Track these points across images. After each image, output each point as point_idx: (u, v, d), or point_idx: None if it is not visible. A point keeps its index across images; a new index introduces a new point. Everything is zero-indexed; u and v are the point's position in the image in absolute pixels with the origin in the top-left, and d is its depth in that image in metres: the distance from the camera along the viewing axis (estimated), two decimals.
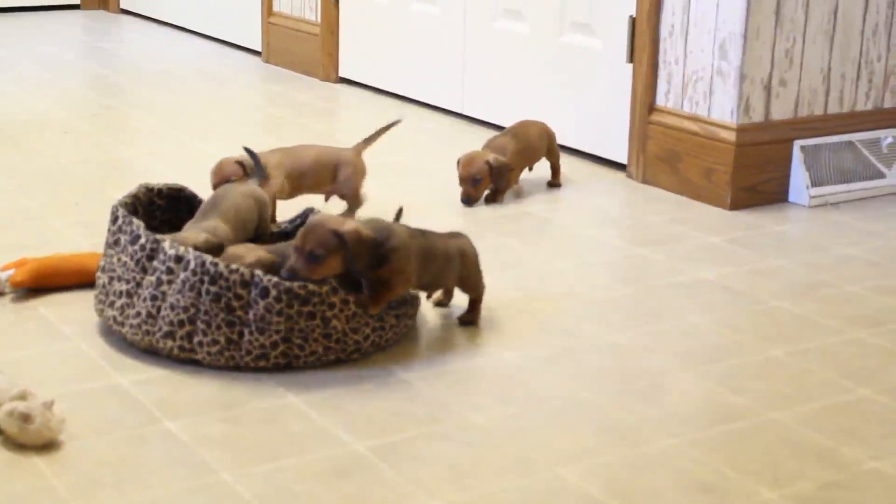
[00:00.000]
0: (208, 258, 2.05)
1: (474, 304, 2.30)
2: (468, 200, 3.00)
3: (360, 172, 2.83)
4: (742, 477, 1.76)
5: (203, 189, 2.61)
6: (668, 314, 2.37)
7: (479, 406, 1.96)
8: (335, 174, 2.81)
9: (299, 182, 2.77)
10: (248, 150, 2.64)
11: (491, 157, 3.00)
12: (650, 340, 2.24)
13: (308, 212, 2.39)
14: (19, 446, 1.78)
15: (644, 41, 3.23)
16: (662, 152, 3.20)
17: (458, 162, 3.03)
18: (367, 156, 2.91)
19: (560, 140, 3.52)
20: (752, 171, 3.05)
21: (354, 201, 2.84)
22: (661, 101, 3.23)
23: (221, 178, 2.62)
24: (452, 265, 2.22)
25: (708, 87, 3.08)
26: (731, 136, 3.02)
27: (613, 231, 2.86)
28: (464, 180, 3.01)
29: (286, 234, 2.41)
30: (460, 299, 2.36)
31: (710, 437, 1.87)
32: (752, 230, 2.89)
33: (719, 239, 2.82)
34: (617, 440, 1.85)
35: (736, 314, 2.37)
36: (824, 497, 1.71)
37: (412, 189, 3.15)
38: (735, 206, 3.05)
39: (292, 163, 2.76)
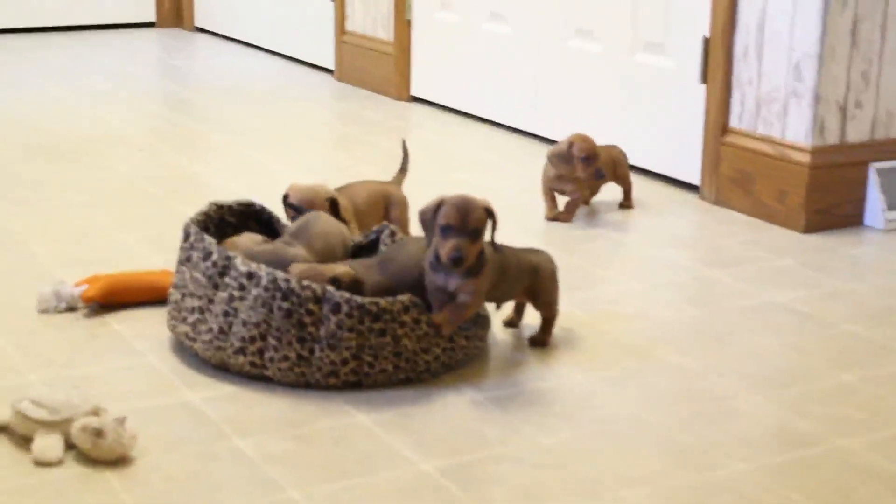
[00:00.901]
0: (280, 274, 2.08)
1: (547, 323, 2.31)
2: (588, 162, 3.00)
3: (407, 207, 2.81)
4: None
5: (272, 205, 2.65)
6: (737, 337, 2.36)
7: (549, 428, 1.97)
8: (387, 211, 2.77)
9: (359, 222, 2.71)
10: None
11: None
12: (719, 363, 2.24)
13: (384, 227, 2.40)
14: (92, 461, 1.82)
15: (717, 61, 3.23)
16: (735, 174, 3.19)
17: (571, 143, 3.02)
18: (435, 174, 2.94)
19: (632, 160, 3.53)
20: (826, 194, 3.04)
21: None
22: (734, 122, 3.22)
23: (306, 202, 2.57)
24: (521, 280, 2.23)
25: (782, 108, 3.07)
26: (805, 158, 3.01)
27: (684, 252, 2.86)
28: (581, 159, 3.01)
29: (361, 249, 2.42)
30: (530, 319, 2.38)
31: (778, 464, 1.87)
32: (826, 253, 2.88)
33: (792, 261, 2.81)
34: (683, 464, 1.86)
35: (807, 338, 2.37)
36: None
37: None
38: (808, 228, 3.03)
39: (352, 204, 2.70)
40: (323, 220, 2.34)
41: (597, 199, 3.27)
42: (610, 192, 3.30)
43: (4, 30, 5.89)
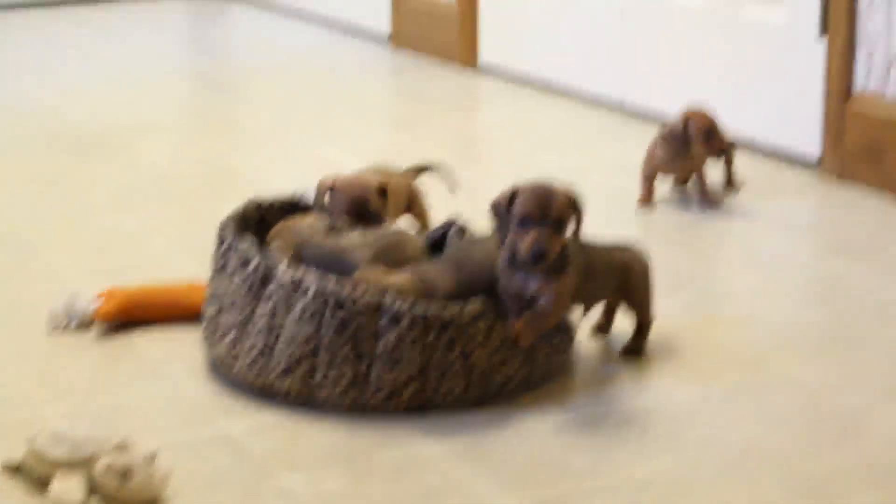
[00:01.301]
0: (330, 281, 2.08)
1: (641, 330, 2.29)
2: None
3: (424, 199, 2.84)
4: None
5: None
6: (870, 342, 2.34)
7: (647, 455, 1.96)
8: (411, 205, 2.80)
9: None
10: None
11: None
12: (848, 374, 2.21)
13: (450, 224, 2.40)
14: None
15: (840, 12, 3.19)
16: (862, 146, 3.15)
17: (687, 119, 3.03)
18: (512, 155, 2.94)
19: (738, 133, 3.50)
20: None
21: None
22: (860, 84, 3.18)
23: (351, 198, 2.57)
24: (610, 281, 2.22)
25: None
26: None
27: (803, 241, 2.84)
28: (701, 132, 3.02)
29: (429, 247, 2.42)
30: (622, 326, 2.36)
31: None
32: None
33: None
34: (806, 496, 1.84)
35: None
36: None
37: None
38: None
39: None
40: (411, 245, 2.31)
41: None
42: (714, 172, 3.27)
43: (18, 4, 5.96)
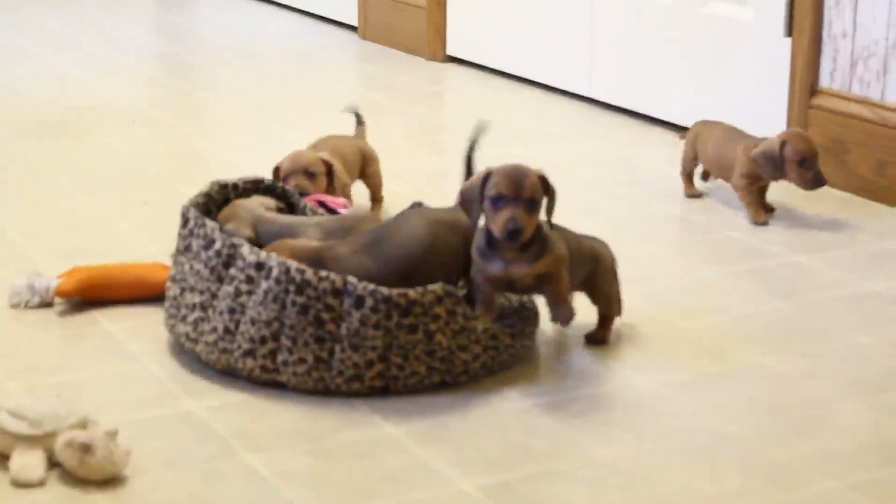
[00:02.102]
0: (293, 264, 2.07)
1: (605, 320, 2.30)
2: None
3: (379, 162, 2.97)
4: None
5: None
6: (830, 333, 2.34)
7: (608, 440, 1.96)
8: (363, 167, 2.94)
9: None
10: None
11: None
12: (809, 364, 2.22)
13: (416, 205, 2.40)
14: (79, 481, 1.82)
15: (805, 10, 3.20)
16: (827, 142, 3.16)
17: (784, 143, 2.86)
18: (483, 150, 2.93)
19: None
20: None
21: (380, 194, 2.97)
22: (824, 81, 3.20)
23: (296, 171, 2.68)
24: (581, 269, 2.23)
25: (881, 64, 3.04)
26: None
27: (768, 235, 2.84)
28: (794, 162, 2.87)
29: None
30: (587, 316, 2.36)
31: (878, 480, 1.85)
32: None
33: (894, 244, 2.79)
34: (768, 482, 1.84)
35: None
36: None
37: None
38: None
39: (341, 158, 2.85)
40: (366, 225, 2.31)
41: (668, 173, 3.25)
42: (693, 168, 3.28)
43: None
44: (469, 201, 2.10)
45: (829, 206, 3.03)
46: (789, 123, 3.26)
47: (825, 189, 3.13)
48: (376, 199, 2.96)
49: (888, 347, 2.28)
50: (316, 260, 2.13)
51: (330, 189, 2.71)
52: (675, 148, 3.46)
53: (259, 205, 2.34)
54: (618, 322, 2.34)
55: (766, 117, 3.36)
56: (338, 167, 2.76)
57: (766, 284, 2.57)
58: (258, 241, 2.27)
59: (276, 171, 2.71)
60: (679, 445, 1.94)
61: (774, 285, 2.56)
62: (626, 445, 1.94)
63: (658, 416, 2.03)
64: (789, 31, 3.29)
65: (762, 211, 2.92)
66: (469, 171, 2.36)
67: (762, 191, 2.96)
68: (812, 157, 2.85)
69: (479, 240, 2.12)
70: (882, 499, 1.80)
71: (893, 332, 2.35)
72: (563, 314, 2.10)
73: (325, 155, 2.73)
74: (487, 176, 2.09)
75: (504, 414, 2.04)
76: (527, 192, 2.07)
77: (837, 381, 2.16)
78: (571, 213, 2.94)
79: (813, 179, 2.85)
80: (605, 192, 3.11)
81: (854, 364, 2.22)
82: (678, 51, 3.62)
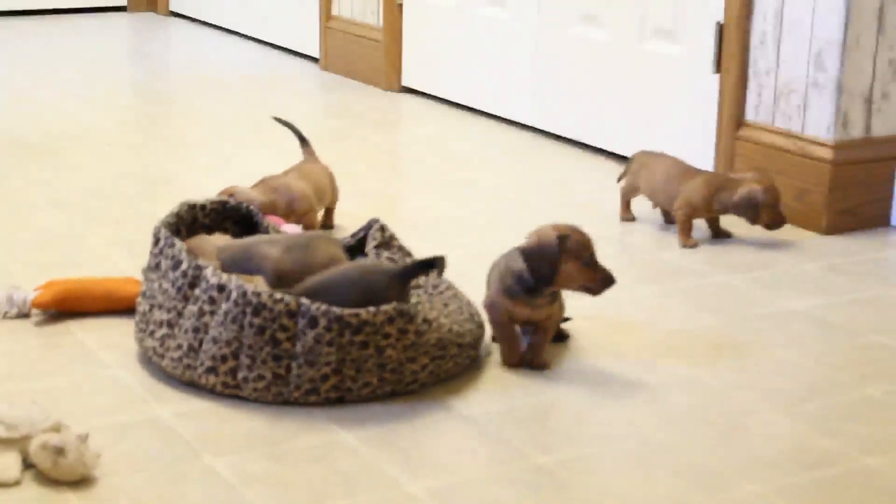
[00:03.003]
0: (250, 287, 2.06)
1: (541, 346, 2.28)
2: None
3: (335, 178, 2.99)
4: None
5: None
6: (754, 348, 2.35)
7: (547, 446, 1.96)
8: (333, 191, 2.95)
9: (321, 201, 2.89)
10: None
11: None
12: (734, 377, 2.23)
13: (373, 223, 2.40)
14: (52, 482, 1.81)
15: (732, 49, 3.22)
16: (752, 171, 3.18)
17: (757, 188, 2.87)
18: (432, 169, 2.94)
19: None
20: (850, 193, 3.03)
21: (332, 210, 2.98)
22: (750, 115, 3.21)
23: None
24: None
25: (802, 100, 3.06)
26: (827, 154, 3.00)
27: (696, 256, 2.85)
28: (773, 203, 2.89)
29: (351, 249, 2.42)
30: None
31: (799, 484, 1.86)
32: (850, 257, 2.87)
33: (813, 266, 2.80)
34: (696, 487, 1.85)
35: (830, 349, 2.36)
36: None
37: (478, 207, 3.16)
38: (831, 230, 3.02)
39: (313, 187, 2.85)
40: (324, 244, 2.31)
41: (604, 197, 3.25)
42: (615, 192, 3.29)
43: None
44: (541, 260, 2.15)
45: (754, 230, 3.05)
46: (717, 153, 3.27)
47: None
48: (331, 208, 2.97)
49: (808, 361, 2.30)
50: (244, 255, 2.20)
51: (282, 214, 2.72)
52: (611, 173, 3.48)
53: (215, 241, 2.32)
54: (554, 336, 2.35)
55: (695, 147, 3.38)
56: (304, 193, 2.77)
57: (696, 302, 2.57)
58: (223, 269, 2.26)
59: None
60: (612, 452, 1.95)
61: (703, 303, 2.57)
62: (563, 451, 1.94)
63: (593, 425, 2.04)
64: (717, 68, 3.31)
65: (691, 235, 2.93)
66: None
67: (714, 220, 2.98)
68: (780, 201, 2.89)
69: (510, 284, 2.19)
70: (800, 501, 1.81)
71: (812, 348, 2.36)
72: (541, 361, 2.24)
73: (256, 195, 2.72)
74: (564, 238, 2.16)
75: (450, 422, 2.03)
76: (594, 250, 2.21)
77: (760, 392, 2.17)
78: (511, 235, 2.94)
79: (781, 220, 2.88)
80: (544, 215, 3.11)
81: (776, 376, 2.23)
82: (615, 84, 3.63)
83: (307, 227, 2.77)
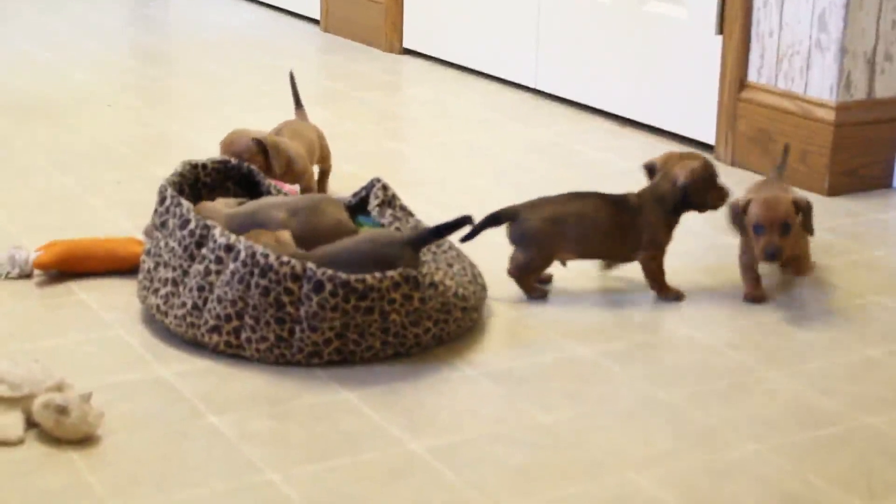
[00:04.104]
0: (259, 248, 2.07)
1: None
2: (774, 254, 2.29)
3: (325, 138, 2.97)
4: (832, 487, 1.76)
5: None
6: (754, 309, 2.36)
7: (548, 405, 1.97)
8: (323, 149, 2.92)
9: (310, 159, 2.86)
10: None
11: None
12: (734, 336, 2.24)
13: (375, 182, 2.41)
14: (54, 440, 1.82)
15: (735, 11, 3.22)
16: (754, 132, 3.19)
17: (747, 203, 2.35)
18: (431, 136, 2.94)
19: (641, 118, 3.53)
20: (852, 154, 3.04)
21: (329, 165, 2.97)
22: (752, 76, 3.22)
23: (232, 154, 2.62)
24: None
25: (805, 61, 3.06)
26: (829, 116, 3.01)
27: (697, 218, 2.86)
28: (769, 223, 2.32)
29: (352, 209, 2.42)
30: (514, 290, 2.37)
31: (797, 443, 1.87)
32: (851, 218, 2.88)
33: (815, 228, 2.81)
34: (695, 444, 1.86)
35: (830, 309, 2.37)
36: None
37: (478, 170, 3.17)
38: (833, 191, 3.03)
39: (306, 147, 2.82)
40: (330, 207, 2.32)
41: (606, 158, 3.26)
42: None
43: None
44: (735, 223, 2.37)
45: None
46: (719, 115, 3.28)
47: (751, 176, 3.15)
48: (326, 171, 2.95)
49: (808, 322, 2.31)
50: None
51: (271, 166, 2.67)
52: (611, 135, 3.48)
53: (222, 205, 2.32)
54: (554, 296, 2.36)
55: (697, 109, 3.39)
56: (299, 152, 2.74)
57: (695, 263, 2.58)
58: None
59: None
60: (613, 410, 1.96)
61: (703, 265, 2.58)
62: (563, 410, 1.96)
63: (594, 384, 2.05)
64: (720, 30, 3.31)
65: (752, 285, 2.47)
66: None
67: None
68: (774, 224, 2.31)
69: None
70: (799, 460, 1.82)
71: (813, 308, 2.37)
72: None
73: (261, 134, 2.68)
74: (747, 204, 2.32)
75: (452, 381, 2.05)
76: (780, 218, 2.28)
77: (760, 351, 2.18)
78: (511, 195, 2.95)
79: (770, 251, 2.31)
80: (542, 174, 3.12)
81: (775, 337, 2.24)
82: (618, 46, 3.63)
83: (305, 189, 2.76)
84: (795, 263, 2.44)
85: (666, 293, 2.39)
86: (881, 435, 1.90)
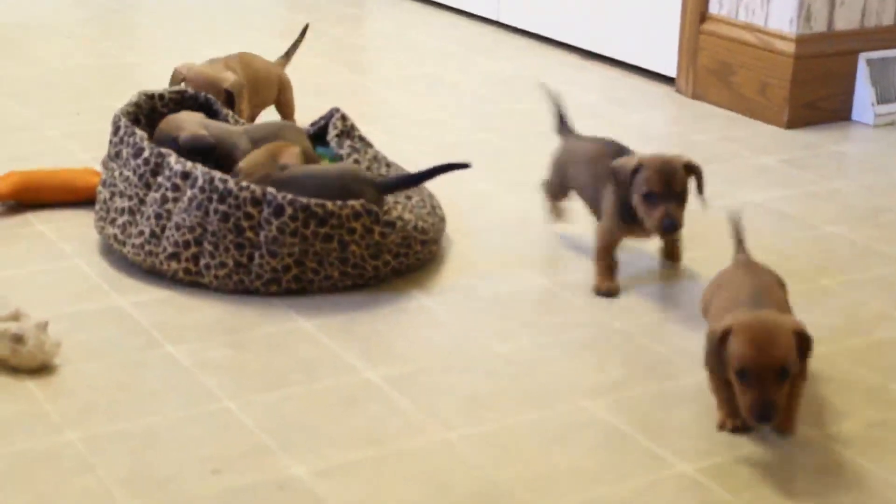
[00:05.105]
0: (217, 174, 2.08)
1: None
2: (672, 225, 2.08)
3: (293, 90, 2.89)
4: None
5: None
6: (712, 239, 2.39)
7: (504, 334, 1.99)
8: (279, 93, 2.84)
9: (253, 101, 2.77)
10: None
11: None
12: (691, 266, 2.26)
13: (334, 111, 2.41)
14: (11, 369, 1.83)
15: None
16: (714, 65, 3.20)
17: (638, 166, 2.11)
18: (394, 69, 2.94)
19: (602, 51, 3.53)
20: (811, 87, 3.05)
21: (292, 118, 2.89)
22: (713, 8, 3.22)
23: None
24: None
25: None
26: (789, 48, 3.02)
27: (657, 149, 2.87)
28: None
29: (311, 138, 2.43)
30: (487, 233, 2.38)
31: None
32: (810, 150, 2.90)
33: (773, 159, 2.83)
34: (648, 373, 1.89)
35: (786, 240, 2.39)
36: (872, 437, 1.74)
37: (440, 103, 3.17)
38: (792, 124, 3.05)
39: (252, 76, 2.75)
40: (293, 134, 2.33)
41: (568, 91, 3.27)
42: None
43: None
44: (621, 183, 2.10)
45: (716, 124, 3.07)
46: (680, 47, 3.28)
47: (711, 108, 3.17)
48: (289, 110, 2.89)
49: (763, 252, 2.33)
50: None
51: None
52: (573, 69, 3.49)
53: (190, 117, 2.32)
54: (516, 230, 2.37)
55: (658, 41, 3.39)
56: (244, 92, 2.66)
57: None
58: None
59: (176, 74, 2.62)
60: (568, 339, 1.98)
61: None
62: (520, 339, 1.98)
63: (551, 314, 2.07)
64: None
65: None
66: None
67: None
68: (664, 190, 2.11)
69: (616, 209, 2.13)
70: None
71: (769, 239, 2.39)
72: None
73: (234, 79, 2.62)
74: (637, 168, 2.07)
75: (409, 311, 2.06)
76: (677, 186, 2.06)
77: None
78: (471, 127, 2.96)
79: (664, 223, 2.11)
80: (502, 108, 3.12)
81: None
82: None
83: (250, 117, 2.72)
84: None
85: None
86: (831, 364, 1.93)
